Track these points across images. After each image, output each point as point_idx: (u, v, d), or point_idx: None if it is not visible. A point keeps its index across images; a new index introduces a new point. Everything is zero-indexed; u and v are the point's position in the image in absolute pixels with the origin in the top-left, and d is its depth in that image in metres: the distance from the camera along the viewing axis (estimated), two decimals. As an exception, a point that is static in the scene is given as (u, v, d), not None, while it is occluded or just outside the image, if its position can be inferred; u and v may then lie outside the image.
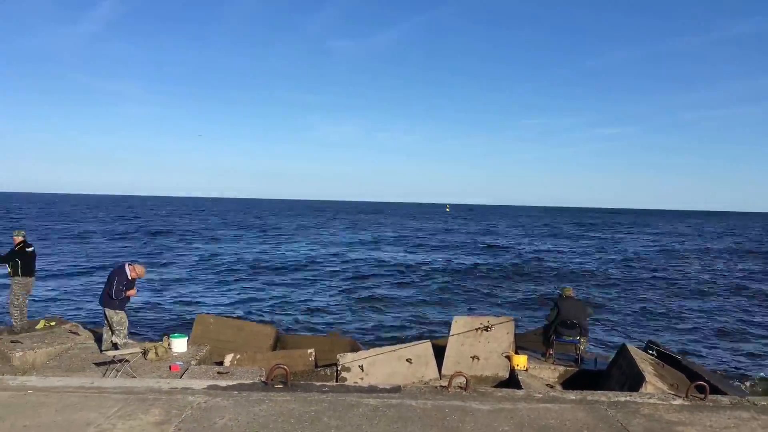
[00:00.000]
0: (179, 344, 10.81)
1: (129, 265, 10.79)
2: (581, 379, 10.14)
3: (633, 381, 8.85)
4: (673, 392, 7.25)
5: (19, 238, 11.66)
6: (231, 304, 22.20)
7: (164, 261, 34.25)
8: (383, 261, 37.69)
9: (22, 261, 11.43)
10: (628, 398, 6.39)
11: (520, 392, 6.66)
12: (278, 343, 12.92)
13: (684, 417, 5.78)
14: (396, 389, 6.47)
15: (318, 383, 6.71)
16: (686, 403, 6.24)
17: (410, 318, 20.39)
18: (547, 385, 9.81)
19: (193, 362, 10.22)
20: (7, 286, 11.85)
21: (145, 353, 10.28)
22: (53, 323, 12.16)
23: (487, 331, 10.75)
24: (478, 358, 10.37)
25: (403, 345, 10.83)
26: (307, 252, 42.34)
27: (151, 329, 16.94)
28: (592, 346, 14.18)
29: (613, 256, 44.77)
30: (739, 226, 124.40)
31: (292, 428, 5.17)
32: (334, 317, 20.25)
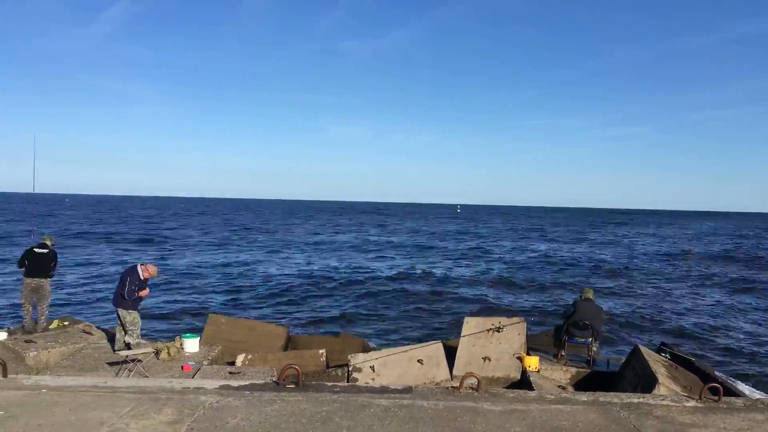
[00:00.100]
0: (191, 344, 10.87)
1: (141, 265, 10.85)
2: (593, 381, 10.08)
3: (646, 382, 8.79)
4: (686, 394, 7.19)
5: (49, 243, 11.93)
6: (241, 304, 22.29)
7: (178, 261, 34.44)
8: (395, 262, 37.68)
9: (28, 262, 11.67)
10: (641, 400, 6.34)
11: (532, 393, 6.63)
12: (289, 344, 12.95)
13: (697, 419, 5.73)
14: (407, 390, 6.46)
15: (329, 383, 6.70)
16: (700, 404, 6.18)
17: (421, 318, 20.37)
18: (558, 386, 9.76)
19: (205, 362, 10.27)
20: (16, 287, 12.06)
21: (157, 353, 10.35)
22: (66, 323, 12.28)
23: (499, 332, 10.70)
24: (489, 359, 10.33)
25: (414, 346, 10.82)
26: (320, 252, 42.40)
27: (163, 329, 17.04)
28: (603, 348, 14.10)
29: (624, 257, 44.49)
30: (748, 227, 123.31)
31: (304, 428, 5.18)
32: (345, 318, 20.27)
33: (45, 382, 6.46)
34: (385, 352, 10.68)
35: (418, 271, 33.23)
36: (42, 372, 9.69)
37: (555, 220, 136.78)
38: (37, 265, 11.74)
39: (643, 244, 60.61)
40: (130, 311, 10.56)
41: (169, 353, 10.36)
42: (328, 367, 11.21)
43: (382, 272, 32.46)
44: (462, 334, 10.90)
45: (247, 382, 6.65)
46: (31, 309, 11.86)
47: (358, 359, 10.47)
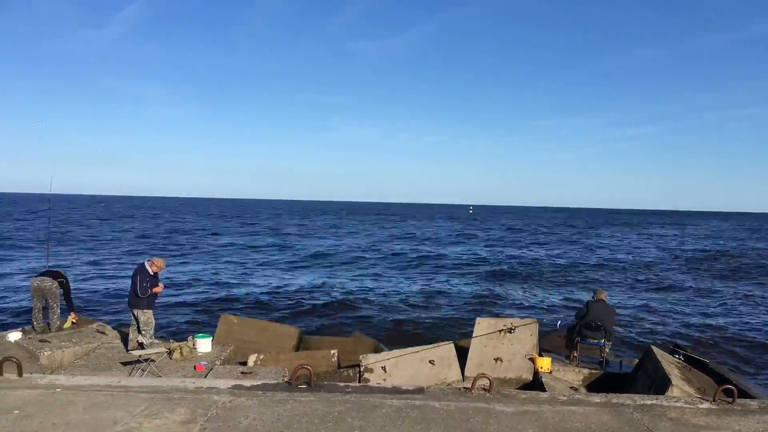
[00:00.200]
0: (204, 344, 10.92)
1: (148, 261, 10.89)
2: (606, 382, 10.03)
3: (659, 384, 8.72)
4: (700, 396, 7.13)
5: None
6: (254, 303, 22.36)
7: (197, 260, 34.66)
8: (406, 263, 37.67)
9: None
10: (654, 401, 6.30)
11: (544, 395, 6.60)
12: (301, 344, 12.98)
13: (711, 421, 5.69)
14: (419, 390, 6.46)
15: (341, 384, 6.72)
16: (714, 406, 6.14)
17: (433, 319, 20.34)
18: (571, 387, 9.71)
19: (217, 362, 10.32)
20: (22, 287, 12.17)
21: (170, 353, 10.41)
22: (76, 321, 12.38)
23: (511, 332, 10.67)
24: (501, 360, 10.30)
25: (425, 346, 10.80)
26: (334, 252, 42.50)
27: (176, 329, 17.14)
28: (615, 349, 14.01)
29: (636, 257, 44.21)
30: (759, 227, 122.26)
31: (316, 428, 5.20)
32: (356, 318, 20.27)
33: (59, 382, 6.52)
34: (396, 352, 10.68)
35: (427, 272, 33.20)
36: (56, 371, 9.78)
37: (574, 221, 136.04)
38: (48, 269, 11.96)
39: (663, 244, 60.18)
40: (144, 311, 10.63)
41: (181, 353, 10.42)
42: (339, 367, 11.22)
43: (393, 273, 32.46)
44: (474, 335, 10.87)
45: (259, 382, 6.69)
46: (40, 308, 11.96)
47: (369, 360, 10.48)
